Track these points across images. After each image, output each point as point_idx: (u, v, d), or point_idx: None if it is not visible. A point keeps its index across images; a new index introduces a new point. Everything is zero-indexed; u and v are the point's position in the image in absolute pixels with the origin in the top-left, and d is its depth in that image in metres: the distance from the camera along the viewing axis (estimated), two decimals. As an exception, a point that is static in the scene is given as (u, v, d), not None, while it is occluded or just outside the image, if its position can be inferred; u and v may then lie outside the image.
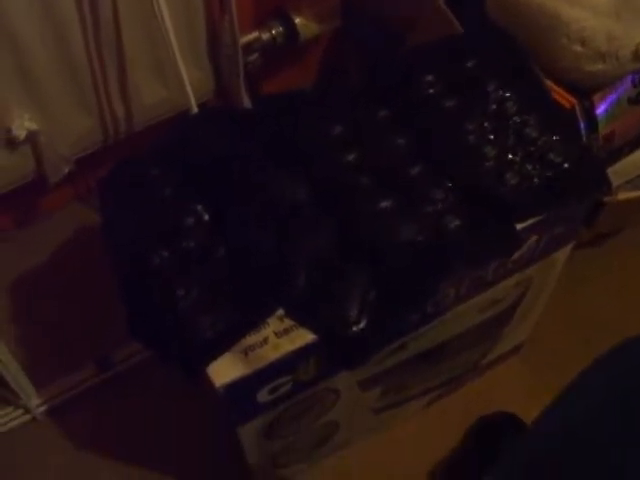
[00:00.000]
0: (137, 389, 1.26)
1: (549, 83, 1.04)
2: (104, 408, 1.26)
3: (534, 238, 0.94)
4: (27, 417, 1.25)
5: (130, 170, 0.96)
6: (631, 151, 1.13)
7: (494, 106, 0.97)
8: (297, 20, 1.30)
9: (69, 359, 1.28)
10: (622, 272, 1.40)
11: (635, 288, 1.38)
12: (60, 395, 1.26)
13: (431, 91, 0.98)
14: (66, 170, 1.23)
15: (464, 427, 1.22)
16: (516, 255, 0.94)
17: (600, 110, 1.05)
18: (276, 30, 1.30)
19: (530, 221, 0.90)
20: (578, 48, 1.03)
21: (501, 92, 0.98)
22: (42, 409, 1.25)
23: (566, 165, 0.93)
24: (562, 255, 1.05)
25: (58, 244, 1.38)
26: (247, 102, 1.27)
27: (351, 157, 0.93)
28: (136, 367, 1.27)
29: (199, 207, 0.89)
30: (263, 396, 0.87)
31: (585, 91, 1.05)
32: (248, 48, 1.27)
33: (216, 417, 1.09)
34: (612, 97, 1.05)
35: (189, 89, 1.10)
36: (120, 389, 1.26)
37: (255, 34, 1.29)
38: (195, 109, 1.12)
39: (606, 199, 1.05)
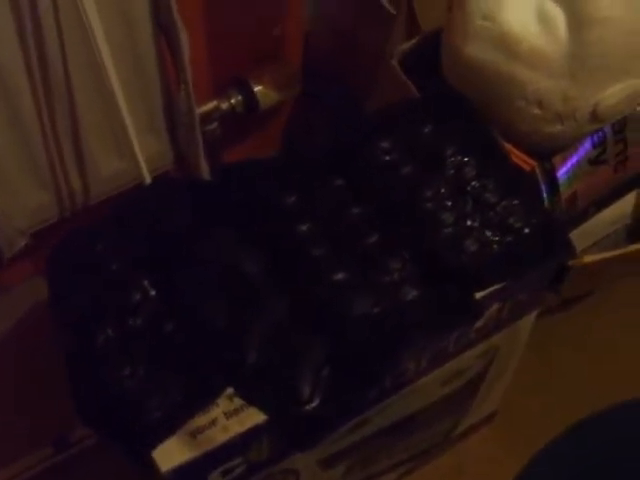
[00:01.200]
0: (95, 471, 1.21)
1: (508, 146, 1.02)
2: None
3: (496, 306, 0.91)
4: (-20, 503, 1.20)
5: (78, 243, 0.93)
6: (596, 212, 1.11)
7: (452, 171, 0.95)
8: (257, 88, 1.28)
9: (25, 440, 1.24)
10: (591, 335, 1.37)
11: (604, 352, 1.35)
12: (16, 477, 1.21)
13: (387, 158, 0.97)
14: (22, 244, 1.19)
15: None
16: (478, 324, 0.91)
17: (561, 172, 1.03)
18: (235, 99, 1.28)
19: (491, 289, 0.87)
20: (535, 110, 1.02)
21: (459, 157, 0.96)
22: (-4, 494, 1.20)
23: (527, 230, 0.91)
24: (527, 322, 1.03)
25: (14, 320, 1.33)
26: (206, 172, 1.24)
27: (305, 227, 0.90)
28: (94, 448, 1.22)
29: (146, 282, 0.86)
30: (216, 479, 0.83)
31: (545, 153, 1.03)
32: (207, 117, 1.25)
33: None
34: (573, 159, 1.03)
35: (141, 160, 1.07)
36: (78, 471, 1.22)
37: (214, 103, 1.27)
38: (148, 180, 1.09)
39: (571, 263, 1.03)
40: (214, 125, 1.28)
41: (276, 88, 1.30)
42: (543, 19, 0.99)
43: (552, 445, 0.66)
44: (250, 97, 1.28)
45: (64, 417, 1.23)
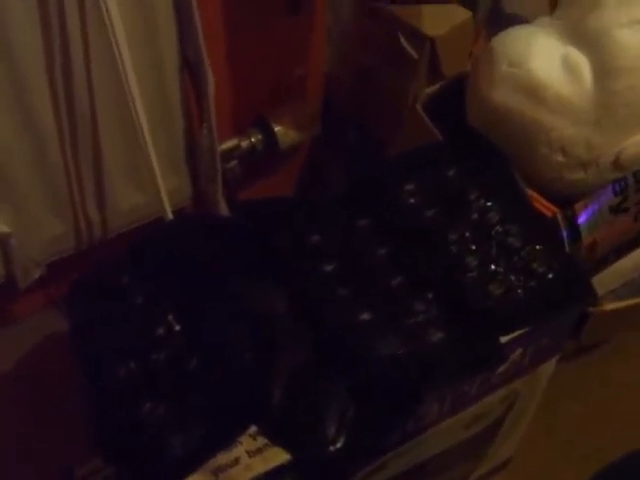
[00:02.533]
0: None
1: (530, 192, 1.03)
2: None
3: (519, 351, 0.91)
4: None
5: (101, 277, 0.92)
6: (615, 260, 1.11)
7: (476, 215, 0.95)
8: (277, 128, 1.29)
9: (32, 473, 1.21)
10: (607, 383, 1.36)
11: (620, 400, 1.34)
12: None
13: (412, 200, 0.97)
14: (37, 274, 1.19)
15: None
16: (501, 369, 0.91)
17: (582, 219, 1.03)
18: (255, 138, 1.30)
19: (515, 334, 0.87)
20: (559, 157, 1.02)
21: (483, 201, 0.97)
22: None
23: (550, 275, 0.91)
24: (547, 368, 1.02)
25: (26, 351, 1.32)
26: (224, 209, 1.25)
27: (329, 267, 0.90)
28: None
29: (170, 317, 0.85)
30: (234, 520, 0.81)
31: (566, 200, 1.04)
32: (227, 155, 1.26)
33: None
34: (594, 206, 1.03)
35: (164, 195, 1.08)
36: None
37: (234, 141, 1.28)
38: (170, 216, 1.10)
39: (591, 310, 1.02)
40: (234, 163, 1.29)
41: (296, 128, 1.31)
42: (569, 67, 1.00)
43: None
44: (270, 136, 1.29)
45: (72, 451, 1.22)
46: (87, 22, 1.01)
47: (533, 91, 1.00)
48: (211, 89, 1.12)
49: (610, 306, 1.04)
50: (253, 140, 1.29)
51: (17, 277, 1.18)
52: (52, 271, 1.22)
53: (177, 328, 0.85)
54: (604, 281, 1.12)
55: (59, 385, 1.26)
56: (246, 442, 0.78)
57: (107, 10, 0.95)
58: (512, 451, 1.20)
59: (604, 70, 0.98)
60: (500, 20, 1.21)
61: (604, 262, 1.12)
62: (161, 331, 0.84)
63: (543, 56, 1.01)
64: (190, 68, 1.13)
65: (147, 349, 0.83)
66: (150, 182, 1.15)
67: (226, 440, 0.79)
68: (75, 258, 1.23)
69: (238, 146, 1.28)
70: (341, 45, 1.32)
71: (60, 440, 1.25)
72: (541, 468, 1.24)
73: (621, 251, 1.13)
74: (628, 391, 1.36)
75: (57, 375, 1.28)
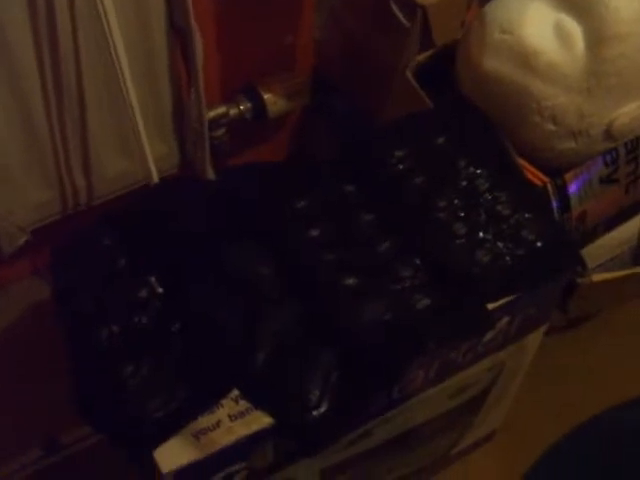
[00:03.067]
0: (85, 475, 1.18)
1: (521, 161, 1.02)
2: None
3: (506, 319, 0.90)
4: (-34, 505, 1.17)
5: (83, 241, 0.91)
6: (604, 232, 1.10)
7: (465, 183, 0.95)
8: (266, 96, 1.27)
9: (14, 441, 1.21)
10: (593, 358, 1.36)
11: (605, 374, 1.34)
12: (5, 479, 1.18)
13: (400, 167, 0.96)
14: (22, 241, 1.18)
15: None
16: (488, 337, 0.90)
17: (572, 189, 1.02)
18: (244, 106, 1.28)
19: (502, 301, 0.86)
20: (550, 126, 1.01)
21: (472, 169, 0.96)
22: (-17, 496, 1.17)
23: (539, 244, 0.90)
24: (534, 339, 1.01)
25: (10, 319, 1.31)
26: (212, 177, 1.23)
27: (315, 232, 0.89)
28: (85, 451, 1.20)
29: (153, 279, 0.84)
30: (215, 485, 0.81)
31: (557, 170, 1.03)
32: (215, 123, 1.25)
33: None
34: (584, 176, 1.02)
35: (150, 160, 1.06)
36: (67, 474, 1.19)
37: (222, 109, 1.26)
38: (156, 180, 1.08)
39: (579, 281, 1.02)
40: (222, 131, 1.27)
41: (285, 96, 1.29)
42: (561, 34, 0.99)
43: (555, 447, 0.66)
44: (259, 104, 1.28)
45: (55, 419, 1.21)
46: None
47: (524, 58, 0.99)
48: (199, 54, 1.10)
49: (598, 277, 1.03)
50: (242, 108, 1.27)
51: (1, 243, 1.17)
52: (37, 238, 1.21)
53: (160, 291, 0.84)
54: (592, 254, 1.11)
55: (43, 352, 1.25)
56: (228, 405, 0.78)
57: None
58: (498, 423, 1.20)
59: (596, 37, 0.96)
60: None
61: (593, 234, 1.11)
62: (144, 293, 0.83)
63: (535, 23, 1.00)
64: (178, 33, 1.12)
65: (130, 312, 0.82)
66: (137, 149, 1.13)
67: (207, 403, 0.78)
68: (60, 224, 1.22)
69: (226, 114, 1.26)
70: (330, 13, 1.30)
71: (44, 408, 1.24)
72: (526, 441, 1.24)
73: (610, 224, 1.12)
74: (614, 366, 1.36)
75: (41, 342, 1.27)
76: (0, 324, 1.32)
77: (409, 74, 1.09)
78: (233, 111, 1.27)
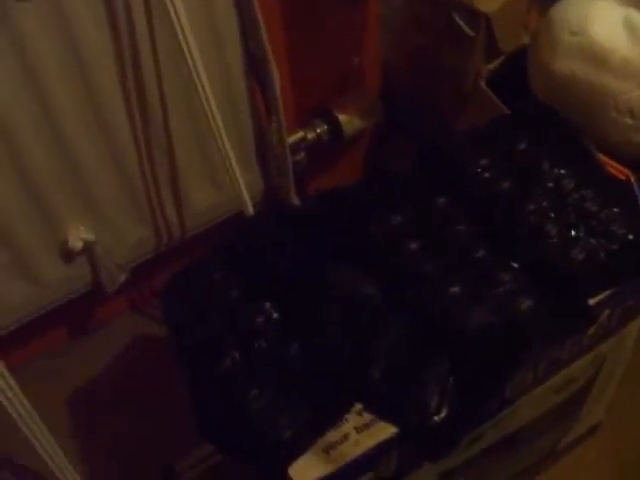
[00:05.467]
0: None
1: (602, 157, 1.04)
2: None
3: (606, 312, 0.92)
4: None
5: (192, 274, 0.95)
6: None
7: (551, 184, 0.97)
8: (340, 117, 1.32)
9: (133, 471, 1.26)
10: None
11: None
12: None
13: (487, 175, 0.98)
14: (122, 279, 1.23)
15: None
16: (590, 331, 0.92)
17: (656, 180, 1.04)
18: (321, 128, 1.32)
19: (602, 296, 0.88)
20: (627, 120, 1.03)
21: (556, 170, 0.98)
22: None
23: (630, 236, 0.92)
24: (633, 328, 1.03)
25: (115, 354, 1.37)
26: (296, 202, 1.27)
27: (414, 245, 0.92)
28: (200, 476, 1.24)
29: (267, 305, 0.88)
30: (346, 496, 0.84)
31: (638, 163, 1.05)
32: (294, 147, 1.29)
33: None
34: (666, 166, 1.04)
35: (244, 191, 1.11)
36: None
37: (300, 134, 1.30)
38: (251, 211, 1.12)
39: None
40: (301, 155, 1.31)
41: (358, 115, 1.33)
42: (631, 29, 1.01)
43: None
44: (335, 125, 1.32)
45: (169, 448, 1.26)
46: (155, 27, 1.04)
47: (597, 57, 1.01)
48: (277, 84, 1.15)
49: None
50: (319, 131, 1.32)
51: (104, 283, 1.22)
52: (135, 274, 1.26)
53: (275, 316, 0.88)
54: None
55: (148, 384, 1.31)
56: (353, 419, 0.81)
57: (176, 13, 0.97)
58: (601, 416, 1.21)
59: (667, 29, 0.98)
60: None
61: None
62: (260, 319, 0.87)
63: (604, 20, 1.02)
64: (254, 65, 1.16)
65: (248, 338, 0.86)
66: (224, 180, 1.18)
67: (333, 419, 0.82)
68: (156, 260, 1.27)
69: (304, 138, 1.30)
70: (395, 30, 1.34)
71: (155, 439, 1.29)
72: (630, 433, 1.25)
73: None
74: None
75: (145, 374, 1.32)
76: (106, 359, 1.38)
77: (482, 83, 1.11)
78: (310, 135, 1.31)
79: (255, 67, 1.16)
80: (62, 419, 1.33)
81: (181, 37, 1.00)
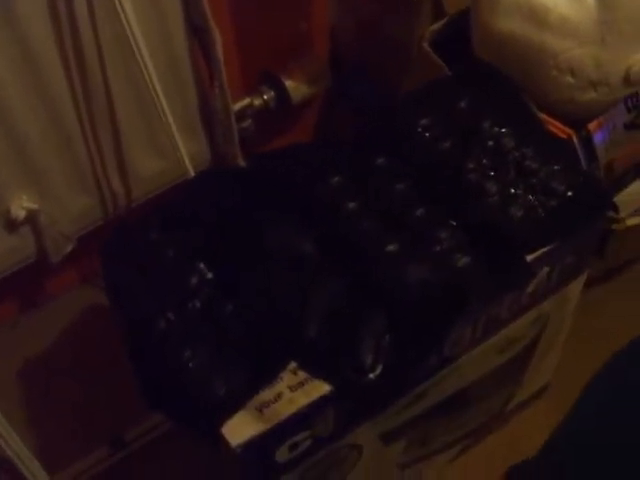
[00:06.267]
0: (151, 467, 1.22)
1: (544, 116, 1.03)
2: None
3: (546, 270, 0.92)
4: (41, 505, 1.21)
5: (130, 234, 0.94)
6: (635, 178, 1.12)
7: (491, 142, 0.97)
8: (287, 83, 1.30)
9: (81, 442, 1.25)
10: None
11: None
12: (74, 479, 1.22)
13: (427, 134, 0.98)
14: (68, 249, 1.21)
15: (493, 478, 1.18)
16: (530, 289, 0.92)
17: (598, 139, 1.04)
18: (267, 95, 1.31)
19: (540, 252, 0.88)
20: (569, 79, 1.03)
21: (497, 128, 0.98)
22: (56, 496, 1.21)
23: (570, 193, 0.92)
24: (575, 288, 1.03)
25: (64, 327, 1.35)
26: (243, 167, 1.26)
27: (352, 205, 0.91)
28: (150, 444, 1.23)
29: (202, 265, 0.87)
30: (282, 454, 0.84)
31: (581, 122, 1.05)
32: (241, 114, 1.28)
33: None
34: (608, 125, 1.04)
35: (187, 159, 1.09)
36: (134, 468, 1.23)
37: (247, 100, 1.29)
38: (192, 174, 1.11)
39: (614, 226, 1.03)
40: (248, 122, 1.30)
41: (306, 81, 1.32)
42: (570, -13, 1.00)
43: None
44: (282, 92, 1.30)
45: (118, 417, 1.25)
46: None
47: (536, 16, 1.01)
48: (219, 50, 1.13)
49: (632, 221, 1.05)
50: (265, 97, 1.30)
51: (49, 253, 1.21)
52: (82, 245, 1.24)
53: (209, 276, 0.87)
54: (625, 201, 1.13)
55: (99, 354, 1.29)
56: (287, 378, 0.81)
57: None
58: (548, 378, 1.22)
59: (605, -14, 0.98)
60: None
61: (623, 182, 1.12)
62: (194, 280, 0.87)
63: (543, -22, 1.02)
64: (197, 32, 1.14)
65: (183, 299, 0.86)
66: (169, 147, 1.17)
67: (267, 377, 0.81)
68: (103, 230, 1.25)
69: (251, 104, 1.29)
70: (343, -4, 1.33)
71: (105, 407, 1.28)
72: (577, 393, 1.25)
73: (640, 169, 1.14)
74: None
75: (96, 346, 1.31)
76: (54, 332, 1.36)
77: (425, 44, 1.11)
78: (257, 101, 1.30)
79: (197, 33, 1.15)
80: (12, 391, 1.31)
81: (119, 6, 0.99)
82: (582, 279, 1.02)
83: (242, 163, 1.27)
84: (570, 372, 1.25)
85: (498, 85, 1.03)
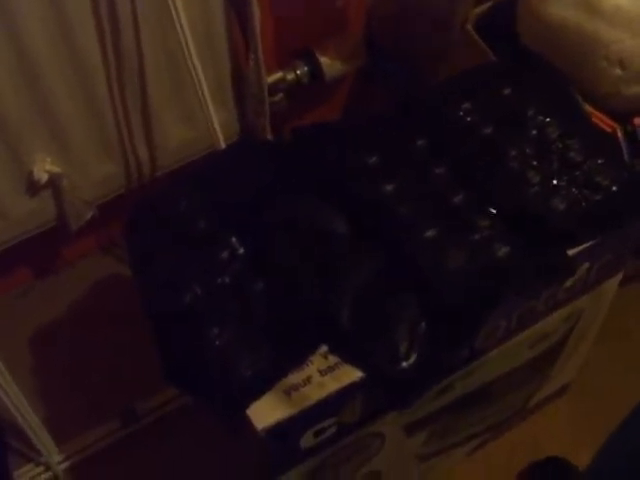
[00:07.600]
0: (163, 442, 1.20)
1: (589, 108, 1.00)
2: (129, 463, 1.20)
3: (585, 266, 0.90)
4: (49, 474, 1.19)
5: (159, 203, 0.91)
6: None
7: (535, 132, 0.94)
8: (322, 59, 1.27)
9: (92, 413, 1.23)
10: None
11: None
12: (83, 451, 1.21)
13: (468, 119, 0.95)
14: (88, 215, 1.19)
15: (511, 474, 1.16)
16: (567, 284, 0.90)
17: (643, 133, 1.01)
18: (301, 70, 1.28)
19: (581, 247, 0.85)
20: (617, 71, 1.00)
21: (541, 117, 0.95)
22: (64, 466, 1.19)
23: (614, 188, 0.89)
24: (611, 286, 1.01)
25: (80, 295, 1.33)
26: (272, 141, 1.24)
27: (390, 187, 0.88)
28: (162, 419, 1.21)
29: (234, 240, 0.84)
30: (307, 440, 0.81)
31: (626, 115, 1.02)
32: (273, 88, 1.25)
33: (252, 469, 1.03)
34: (654, 120, 1.01)
35: (218, 129, 1.07)
36: (145, 443, 1.21)
37: (280, 74, 1.27)
38: (223, 146, 1.09)
39: (655, 226, 1.00)
40: (280, 96, 1.27)
41: (341, 59, 1.29)
42: (627, -24, 0.97)
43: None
44: (316, 68, 1.28)
45: (131, 390, 1.23)
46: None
47: (590, 3, 0.97)
48: (257, 20, 1.10)
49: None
50: (299, 72, 1.27)
51: (69, 219, 1.18)
52: (102, 213, 1.22)
53: (241, 251, 0.84)
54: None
55: (114, 324, 1.27)
56: (317, 361, 0.78)
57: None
58: (573, 375, 1.19)
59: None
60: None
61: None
62: (225, 255, 0.84)
63: (598, -34, 0.98)
64: (236, 4, 1.11)
65: (212, 273, 0.83)
66: (198, 117, 1.14)
67: (296, 360, 0.79)
68: (125, 198, 1.23)
69: (284, 79, 1.26)
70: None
71: (119, 379, 1.26)
72: (601, 395, 1.23)
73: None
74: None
75: (111, 315, 1.29)
76: (70, 299, 1.34)
77: (469, 27, 1.08)
78: (290, 76, 1.28)
79: (235, 5, 1.11)
80: (23, 358, 1.30)
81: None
82: (619, 277, 1.00)
83: (271, 136, 1.24)
84: (593, 371, 1.23)
85: (545, 74, 0.99)
